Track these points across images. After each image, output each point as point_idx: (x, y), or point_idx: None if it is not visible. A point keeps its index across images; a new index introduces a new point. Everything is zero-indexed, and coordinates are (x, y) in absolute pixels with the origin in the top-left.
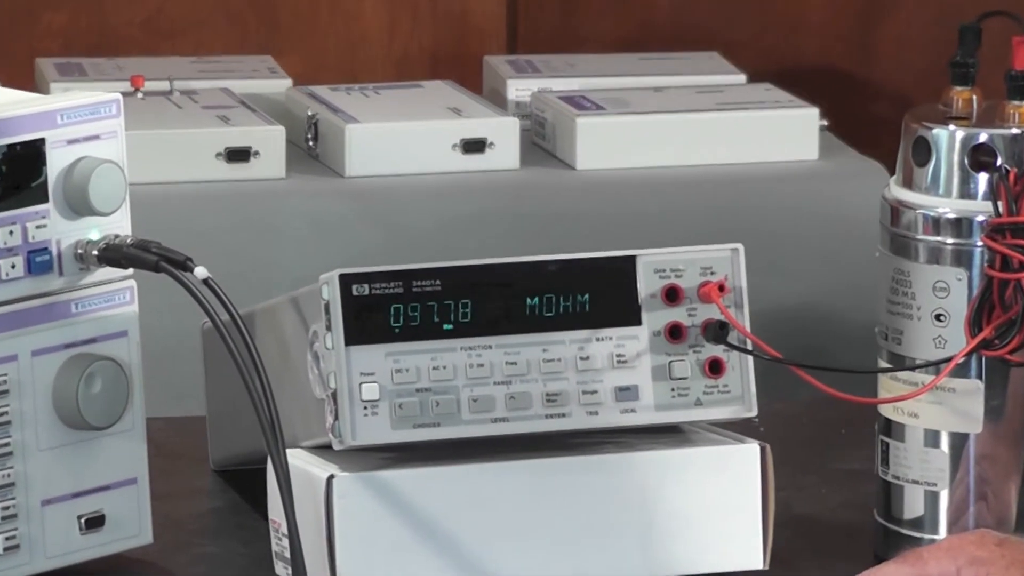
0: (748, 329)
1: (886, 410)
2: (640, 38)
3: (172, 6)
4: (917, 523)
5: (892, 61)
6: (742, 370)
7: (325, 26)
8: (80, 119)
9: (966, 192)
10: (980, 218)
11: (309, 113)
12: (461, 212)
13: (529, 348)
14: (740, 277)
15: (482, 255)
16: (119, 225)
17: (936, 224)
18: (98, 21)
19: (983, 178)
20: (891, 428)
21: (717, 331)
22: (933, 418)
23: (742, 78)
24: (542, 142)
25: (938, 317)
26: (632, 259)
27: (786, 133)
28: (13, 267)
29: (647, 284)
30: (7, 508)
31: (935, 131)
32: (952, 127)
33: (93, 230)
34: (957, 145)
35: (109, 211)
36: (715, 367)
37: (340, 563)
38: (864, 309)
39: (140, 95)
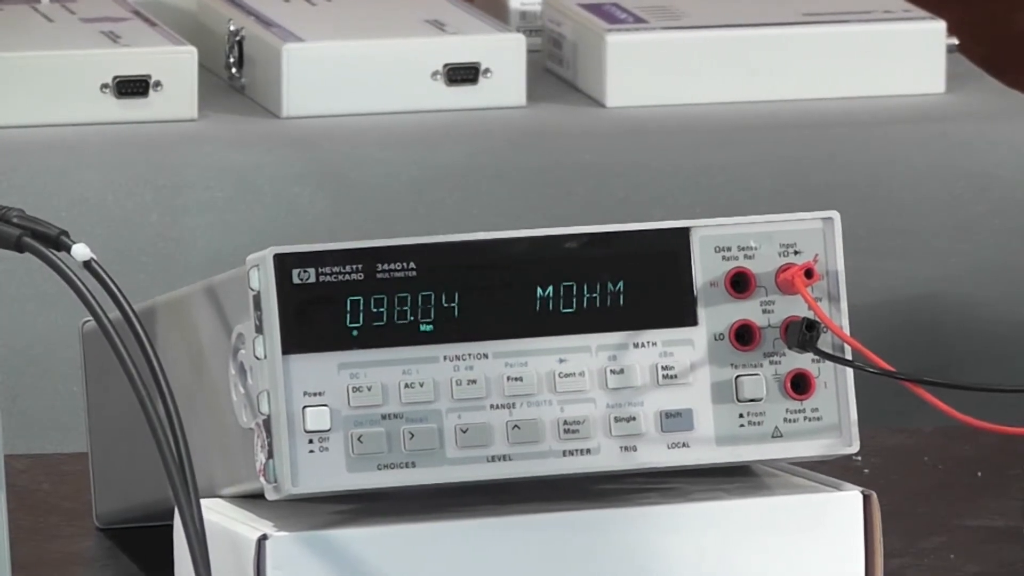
0: (847, 331)
1: None
2: None
3: None
4: None
5: None
6: (838, 388)
7: None
8: None
9: None
10: None
11: (231, 28)
12: (444, 167)
13: (540, 357)
14: (835, 258)
15: (474, 227)
16: None
17: None
18: None
19: None
20: None
21: (803, 334)
22: None
23: None
24: (558, 68)
25: None
26: (684, 232)
27: (900, 56)
28: None
29: (705, 268)
30: None
31: None
32: None
33: None
34: None
35: None
36: (800, 384)
37: None
38: (1011, 303)
39: None
